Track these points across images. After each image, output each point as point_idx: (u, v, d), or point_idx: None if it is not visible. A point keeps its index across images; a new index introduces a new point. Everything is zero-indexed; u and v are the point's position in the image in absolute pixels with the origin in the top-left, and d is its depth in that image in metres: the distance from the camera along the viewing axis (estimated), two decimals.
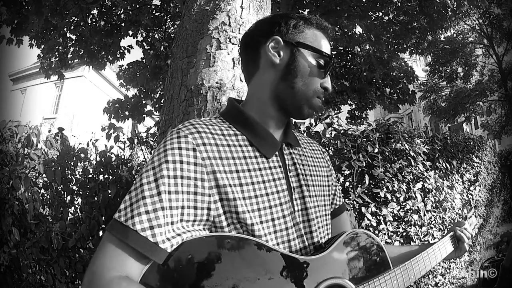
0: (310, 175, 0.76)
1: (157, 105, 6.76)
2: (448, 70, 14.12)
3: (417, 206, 2.25)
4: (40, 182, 2.17)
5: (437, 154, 3.07)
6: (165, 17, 6.24)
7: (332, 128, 2.15)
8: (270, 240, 0.63)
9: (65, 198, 2.02)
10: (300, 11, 5.91)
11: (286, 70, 0.70)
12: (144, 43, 6.39)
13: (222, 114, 0.72)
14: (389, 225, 2.11)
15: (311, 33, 0.72)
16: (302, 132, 2.13)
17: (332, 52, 0.77)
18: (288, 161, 0.72)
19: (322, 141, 2.18)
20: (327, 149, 2.15)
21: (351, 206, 1.96)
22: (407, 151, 2.36)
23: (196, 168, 0.60)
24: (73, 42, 5.81)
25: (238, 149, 0.66)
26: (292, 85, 0.69)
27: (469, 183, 3.94)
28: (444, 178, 3.03)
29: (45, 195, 2.15)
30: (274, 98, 0.71)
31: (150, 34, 6.37)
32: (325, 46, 0.73)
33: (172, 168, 0.58)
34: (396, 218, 2.21)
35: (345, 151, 2.10)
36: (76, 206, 2.08)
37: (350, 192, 2.02)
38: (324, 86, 0.72)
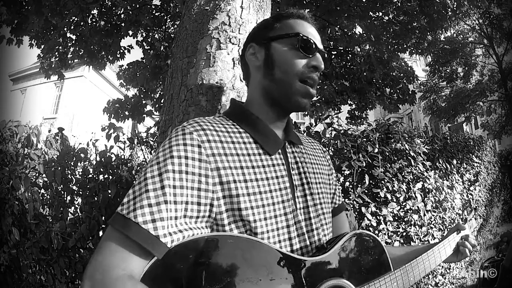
0: (312, 173, 0.76)
1: (157, 105, 6.74)
2: (448, 70, 14.12)
3: (417, 206, 2.25)
4: (40, 182, 2.17)
5: (437, 154, 3.07)
6: (165, 17, 6.23)
7: (332, 128, 2.15)
8: (272, 237, 0.64)
9: (65, 198, 2.02)
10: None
11: (265, 67, 0.73)
12: (144, 43, 6.38)
13: (226, 114, 0.73)
14: (389, 225, 2.11)
15: (282, 24, 0.74)
16: (302, 132, 2.13)
17: (315, 40, 0.72)
18: (291, 159, 0.73)
19: (322, 141, 2.18)
20: (327, 149, 2.15)
21: (351, 206, 1.96)
22: (407, 151, 2.36)
23: (201, 164, 0.60)
24: (73, 42, 5.79)
25: (242, 146, 0.66)
26: (271, 77, 0.71)
27: (469, 183, 3.94)
28: (444, 178, 3.03)
29: (45, 195, 2.15)
30: (264, 96, 0.73)
31: (150, 34, 6.36)
32: (302, 28, 0.72)
33: (177, 163, 0.58)
34: (396, 218, 2.21)
35: (345, 151, 2.10)
36: (76, 206, 2.08)
37: (350, 192, 2.02)
38: (312, 64, 0.71)
